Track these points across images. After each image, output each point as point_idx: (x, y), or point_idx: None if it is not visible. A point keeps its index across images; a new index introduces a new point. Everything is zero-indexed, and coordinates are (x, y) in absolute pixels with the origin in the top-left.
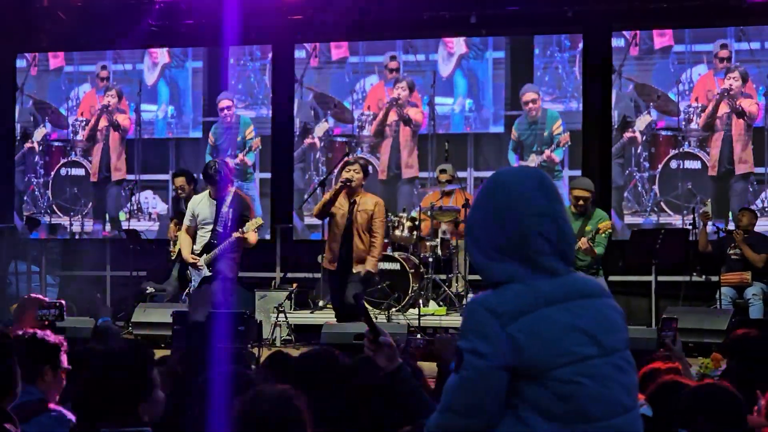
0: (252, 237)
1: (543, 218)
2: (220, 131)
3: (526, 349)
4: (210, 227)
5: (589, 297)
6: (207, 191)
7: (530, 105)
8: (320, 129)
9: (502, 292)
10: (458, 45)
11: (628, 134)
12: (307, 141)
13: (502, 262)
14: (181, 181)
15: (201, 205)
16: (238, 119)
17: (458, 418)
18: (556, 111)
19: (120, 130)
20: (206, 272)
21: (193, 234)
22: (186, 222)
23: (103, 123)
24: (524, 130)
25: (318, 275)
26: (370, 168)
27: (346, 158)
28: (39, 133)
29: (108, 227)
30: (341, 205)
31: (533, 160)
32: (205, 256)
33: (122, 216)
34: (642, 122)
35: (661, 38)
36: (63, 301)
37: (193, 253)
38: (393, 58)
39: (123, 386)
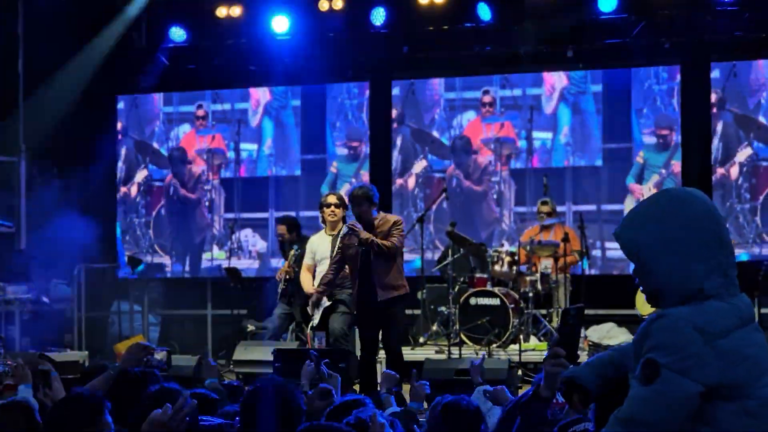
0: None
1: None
2: (345, 164)
3: (732, 366)
4: (327, 261)
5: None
6: (324, 229)
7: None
8: (419, 166)
9: (705, 310)
10: (559, 79)
11: (728, 167)
12: (401, 181)
13: (707, 277)
14: (282, 229)
15: (319, 243)
16: (365, 157)
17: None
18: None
19: (220, 169)
20: (326, 303)
21: (312, 272)
22: (306, 261)
23: (202, 163)
24: (653, 154)
25: (418, 312)
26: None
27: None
28: (140, 174)
29: (208, 266)
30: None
31: (654, 179)
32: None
33: (222, 254)
34: (743, 155)
35: (761, 69)
36: (167, 349)
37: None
38: (486, 92)
39: None
